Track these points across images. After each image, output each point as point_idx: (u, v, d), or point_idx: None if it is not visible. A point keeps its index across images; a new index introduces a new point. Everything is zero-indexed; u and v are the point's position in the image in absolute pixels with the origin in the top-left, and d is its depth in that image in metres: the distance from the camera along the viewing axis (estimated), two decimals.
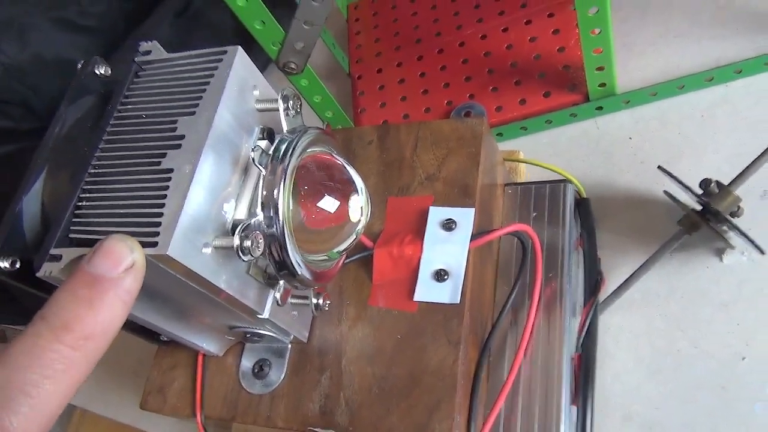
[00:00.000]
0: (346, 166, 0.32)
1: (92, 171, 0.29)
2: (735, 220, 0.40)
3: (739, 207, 0.40)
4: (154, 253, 0.25)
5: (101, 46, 0.66)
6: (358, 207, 0.32)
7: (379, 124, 0.43)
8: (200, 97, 0.29)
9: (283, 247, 0.29)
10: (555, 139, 0.52)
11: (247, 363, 0.37)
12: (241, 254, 0.27)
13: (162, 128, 0.29)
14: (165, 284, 0.28)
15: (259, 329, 0.34)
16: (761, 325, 0.39)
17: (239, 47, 0.30)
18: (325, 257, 0.32)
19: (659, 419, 0.39)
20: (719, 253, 0.42)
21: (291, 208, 0.29)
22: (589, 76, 0.48)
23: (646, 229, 0.45)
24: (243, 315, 0.32)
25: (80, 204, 0.29)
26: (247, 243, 0.27)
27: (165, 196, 0.27)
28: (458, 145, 0.39)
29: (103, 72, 0.34)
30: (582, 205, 0.44)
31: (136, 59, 0.33)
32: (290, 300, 0.34)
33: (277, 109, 0.31)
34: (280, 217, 0.28)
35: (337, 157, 0.32)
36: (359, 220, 0.32)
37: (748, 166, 0.40)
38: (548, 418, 0.35)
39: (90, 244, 0.27)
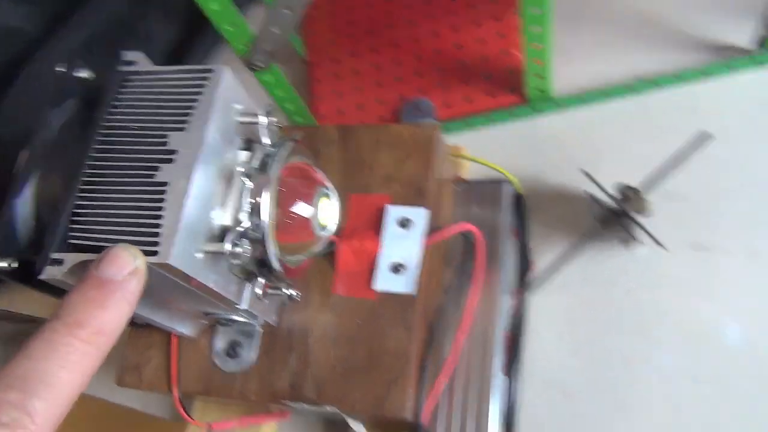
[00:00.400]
0: (321, 174, 0.36)
1: (86, 179, 0.32)
2: (643, 219, 0.47)
3: (646, 208, 0.47)
4: (157, 261, 0.28)
5: (48, 15, 0.65)
6: (332, 213, 0.36)
7: (341, 124, 0.46)
8: (190, 114, 0.32)
9: (266, 250, 0.33)
10: (496, 135, 0.57)
11: (220, 344, 0.41)
12: (232, 259, 0.31)
13: (153, 141, 0.32)
14: (154, 282, 0.31)
15: (234, 316, 0.38)
16: (659, 307, 0.47)
17: (227, 68, 0.33)
18: (302, 257, 0.36)
19: (573, 384, 0.47)
20: (627, 244, 0.49)
21: (274, 215, 0.33)
22: (529, 82, 0.53)
23: (569, 222, 0.51)
24: (221, 305, 0.36)
25: (77, 211, 0.31)
26: (238, 249, 0.31)
27: (162, 208, 0.30)
28: (414, 149, 0.44)
29: (85, 76, 0.36)
30: (518, 200, 0.50)
31: (120, 69, 0.35)
32: None
33: (257, 123, 0.34)
34: (265, 225, 0.32)
35: (313, 167, 0.36)
36: (333, 225, 0.36)
37: (657, 173, 0.47)
38: (483, 386, 0.42)
39: (90, 250, 0.30)
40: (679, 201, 0.50)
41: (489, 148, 0.57)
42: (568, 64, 0.57)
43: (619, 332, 0.47)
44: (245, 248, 0.32)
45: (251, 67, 0.47)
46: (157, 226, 0.29)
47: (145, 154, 0.31)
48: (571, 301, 0.49)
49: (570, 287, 0.49)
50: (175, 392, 0.41)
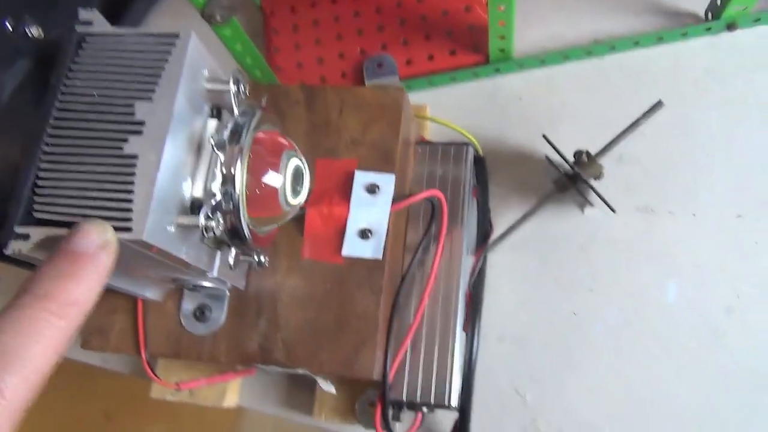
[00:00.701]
0: (291, 143, 0.36)
1: (47, 149, 0.30)
2: (596, 183, 0.49)
3: (600, 172, 0.49)
4: (130, 237, 0.28)
5: None
6: (303, 182, 0.36)
7: (306, 85, 0.45)
8: (156, 83, 0.31)
9: (238, 222, 0.33)
10: (457, 94, 0.58)
11: (187, 307, 0.41)
12: (204, 233, 0.31)
13: (118, 111, 0.30)
14: (122, 253, 0.31)
15: (202, 282, 0.39)
16: (606, 265, 0.50)
17: (192, 32, 0.32)
18: (273, 226, 0.36)
19: (526, 338, 0.50)
20: (581, 206, 0.52)
21: (245, 185, 0.33)
22: (492, 43, 0.53)
23: (527, 184, 0.53)
24: (191, 273, 0.36)
25: (40, 183, 0.30)
26: (211, 223, 0.31)
27: (132, 183, 0.29)
28: (380, 113, 0.44)
29: (35, 34, 0.34)
30: (478, 162, 0.51)
31: (77, 29, 0.33)
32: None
33: (227, 91, 0.33)
34: (237, 196, 0.32)
35: (283, 135, 0.36)
36: (304, 195, 0.36)
37: (612, 140, 0.49)
38: (445, 342, 0.44)
39: (57, 224, 0.29)
40: (630, 165, 0.52)
41: (450, 106, 0.57)
42: (528, 26, 0.57)
43: (570, 289, 0.50)
44: (219, 221, 0.32)
45: (209, 21, 0.45)
46: (128, 201, 0.29)
47: (110, 124, 0.30)
48: (525, 258, 0.52)
49: (525, 246, 0.52)
50: (143, 355, 0.41)
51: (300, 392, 0.50)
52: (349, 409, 0.46)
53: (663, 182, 0.51)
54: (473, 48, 0.57)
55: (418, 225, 0.47)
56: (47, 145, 0.31)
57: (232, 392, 0.49)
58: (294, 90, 0.45)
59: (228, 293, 0.41)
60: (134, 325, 0.42)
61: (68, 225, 0.29)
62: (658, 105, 0.47)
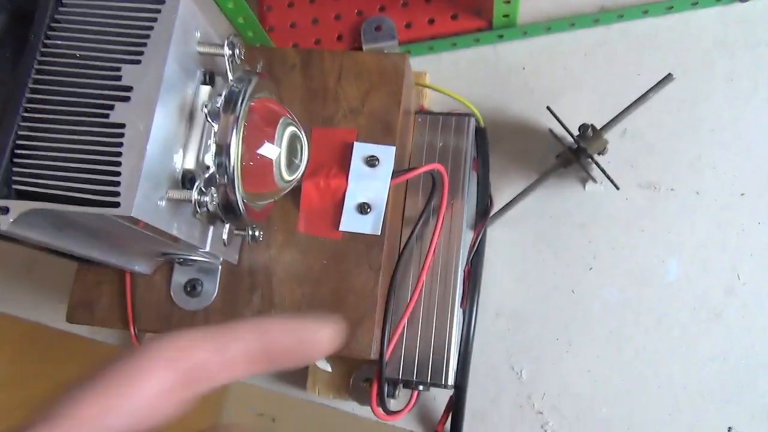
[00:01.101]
0: (288, 112, 0.34)
1: (26, 114, 0.28)
2: (600, 158, 0.48)
3: (605, 147, 0.48)
4: (118, 213, 0.26)
5: None
6: (301, 155, 0.34)
7: (301, 48, 0.43)
8: (144, 44, 0.28)
9: (233, 196, 0.31)
10: (457, 61, 0.56)
11: (178, 282, 0.40)
12: (197, 208, 0.29)
13: (104, 75, 0.28)
14: (108, 228, 0.29)
15: (194, 256, 0.37)
16: (607, 242, 0.49)
17: None
18: (269, 200, 0.34)
19: (523, 314, 0.49)
20: (583, 182, 0.50)
21: (240, 157, 0.31)
22: (496, 8, 0.51)
23: (529, 157, 0.52)
24: (181, 248, 0.34)
25: (18, 152, 0.28)
26: (205, 198, 0.29)
27: (120, 154, 0.27)
28: (381, 81, 0.42)
29: None
30: (480, 134, 0.49)
31: None
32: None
33: (221, 55, 0.31)
34: (232, 169, 0.30)
35: (280, 104, 0.34)
36: (300, 168, 0.34)
37: (618, 114, 0.47)
38: (443, 320, 0.43)
39: (39, 197, 0.27)
40: (634, 139, 0.51)
41: (450, 74, 0.55)
42: None
43: (569, 266, 0.49)
44: (212, 196, 0.30)
45: None
46: (116, 174, 0.27)
47: (96, 89, 0.28)
48: (524, 234, 0.50)
49: (525, 220, 0.51)
50: (132, 330, 0.40)
51: None
52: (343, 385, 0.46)
53: (666, 158, 0.50)
54: (476, 12, 0.54)
55: (417, 196, 0.45)
56: (26, 110, 0.28)
57: None
58: (290, 54, 0.43)
59: (220, 267, 0.40)
60: (122, 299, 0.40)
61: (50, 198, 0.27)
62: (668, 78, 0.46)
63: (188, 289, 0.39)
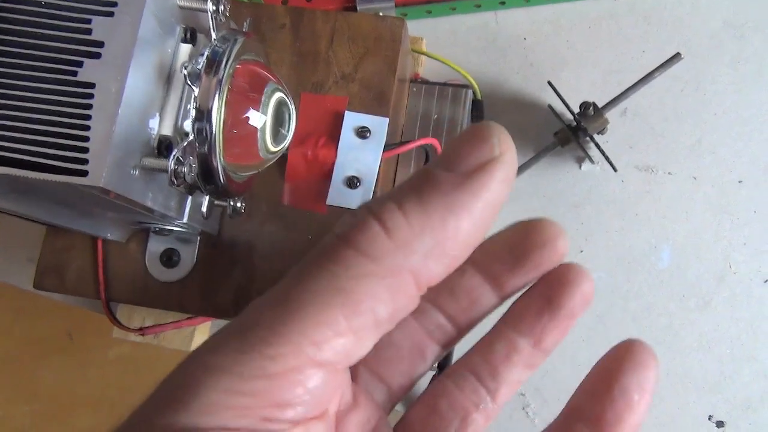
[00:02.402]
0: (276, 77, 0.31)
1: None
2: (599, 138, 0.46)
3: (605, 126, 0.46)
4: (86, 183, 0.24)
5: None
6: (288, 125, 0.32)
7: (291, 6, 0.40)
8: None
9: (213, 166, 0.29)
10: (456, 27, 0.53)
11: (153, 251, 0.38)
12: (174, 178, 0.27)
13: (72, 27, 0.25)
14: (77, 195, 0.27)
15: (169, 225, 0.35)
16: (599, 225, 0.48)
17: None
18: (251, 172, 0.32)
19: None
20: (579, 161, 0.49)
21: (223, 124, 0.28)
22: None
23: (526, 132, 0.50)
24: (157, 218, 0.32)
25: None
26: (183, 168, 0.27)
27: (89, 117, 0.25)
28: (376, 46, 0.39)
29: None
30: (476, 106, 0.47)
31: None
32: None
33: (204, 10, 0.28)
34: (213, 136, 0.28)
35: (268, 67, 0.31)
36: (287, 138, 0.32)
37: (621, 93, 0.45)
38: None
39: (2, 163, 0.25)
40: (634, 119, 0.49)
41: (448, 40, 0.53)
42: None
43: None
44: (191, 166, 0.27)
45: None
46: (84, 139, 0.24)
47: (62, 43, 0.25)
48: (515, 212, 0.48)
49: (517, 198, 0.49)
50: (103, 297, 0.38)
51: None
52: None
53: (666, 140, 0.49)
54: None
55: (408, 168, 0.43)
56: None
57: (201, 335, 0.47)
58: (279, 11, 0.40)
59: (199, 237, 0.38)
60: (93, 266, 0.38)
61: (11, 163, 0.24)
62: (676, 58, 0.44)
63: (164, 259, 0.37)
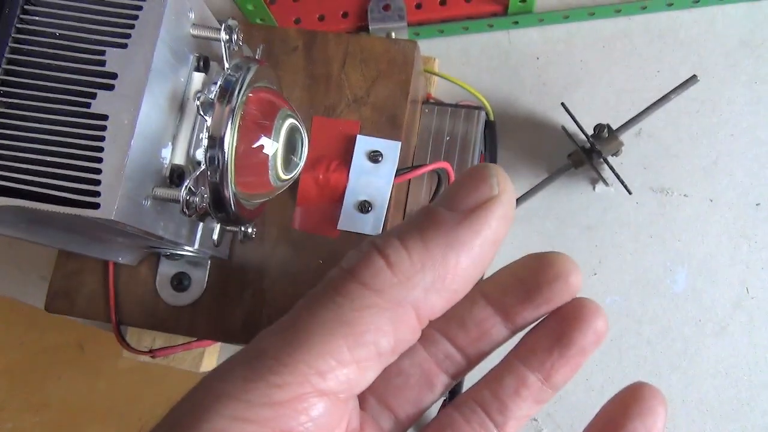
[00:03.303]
0: (289, 104, 0.31)
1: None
2: (613, 160, 0.45)
3: (619, 149, 0.45)
4: (97, 216, 0.24)
5: None
6: (301, 152, 0.32)
7: (304, 29, 0.40)
8: (132, 26, 0.26)
9: (225, 194, 0.28)
10: (468, 46, 0.53)
11: (164, 275, 0.38)
12: (185, 209, 0.27)
13: (86, 59, 0.25)
14: (89, 225, 0.27)
15: (180, 251, 0.35)
16: (613, 247, 0.47)
17: None
18: (263, 199, 0.32)
19: None
20: (593, 182, 0.48)
21: (234, 152, 0.28)
22: None
23: (539, 153, 0.49)
24: (168, 245, 0.32)
25: None
26: (195, 198, 0.27)
27: (102, 149, 0.24)
28: (388, 69, 0.39)
29: None
30: (489, 128, 0.47)
31: None
32: None
33: (217, 39, 0.28)
34: (225, 165, 0.28)
35: (280, 95, 0.31)
36: (298, 166, 0.32)
37: (636, 115, 0.45)
38: None
39: (11, 193, 0.25)
40: (648, 140, 0.48)
41: (460, 60, 0.52)
42: None
43: None
44: (203, 196, 0.27)
45: None
46: (96, 171, 0.24)
47: (76, 74, 0.25)
48: (529, 233, 0.48)
49: (530, 219, 0.49)
50: (114, 321, 0.38)
51: None
52: None
53: (681, 162, 0.48)
54: None
55: (420, 188, 0.43)
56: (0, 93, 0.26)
57: (211, 357, 0.47)
58: (292, 34, 0.40)
59: (209, 261, 0.37)
60: (104, 289, 0.38)
61: (24, 195, 0.24)
62: (692, 80, 0.43)
63: (175, 283, 0.37)
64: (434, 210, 0.19)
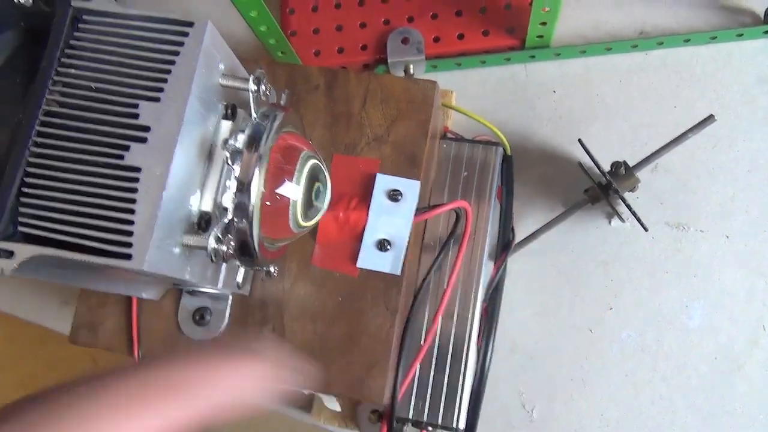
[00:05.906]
0: (311, 146, 0.32)
1: (35, 149, 0.26)
2: (630, 195, 0.46)
3: (635, 186, 0.46)
4: (129, 267, 0.25)
5: None
6: (323, 196, 0.32)
7: (325, 68, 0.41)
8: (165, 80, 0.26)
9: (250, 240, 0.29)
10: (485, 79, 0.53)
11: (186, 309, 0.38)
12: (213, 257, 0.27)
13: (120, 111, 0.26)
14: (117, 270, 0.27)
15: (202, 288, 0.35)
16: (629, 282, 0.47)
17: (209, 22, 0.27)
18: (286, 242, 0.32)
19: (538, 350, 0.47)
20: (609, 217, 0.49)
21: (262, 200, 0.29)
22: (531, 28, 0.48)
23: (556, 187, 0.50)
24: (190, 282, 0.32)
25: (26, 191, 0.26)
26: (222, 247, 0.27)
27: (134, 201, 0.25)
28: (408, 108, 0.39)
29: (22, 1, 0.29)
30: (505, 162, 0.47)
31: (73, 3, 0.28)
32: None
33: (245, 89, 0.29)
34: (251, 211, 0.28)
35: (303, 139, 0.32)
36: (320, 211, 0.32)
37: (653, 153, 0.45)
38: (457, 362, 0.41)
39: (45, 242, 0.25)
40: (665, 175, 0.49)
41: (477, 92, 0.53)
42: (570, 8, 0.52)
43: (588, 303, 0.48)
44: (230, 243, 0.28)
45: None
46: (129, 222, 0.25)
47: (111, 126, 0.26)
48: (545, 268, 0.49)
49: (546, 253, 0.49)
50: (136, 354, 0.39)
51: None
52: (349, 414, 0.44)
53: (697, 197, 0.48)
54: (508, 30, 0.51)
55: (438, 228, 0.43)
56: (35, 144, 0.26)
57: None
58: (314, 72, 0.41)
59: (231, 297, 0.38)
60: (127, 322, 0.39)
61: (57, 244, 0.25)
62: (710, 119, 0.43)
63: (197, 318, 0.38)
64: None
